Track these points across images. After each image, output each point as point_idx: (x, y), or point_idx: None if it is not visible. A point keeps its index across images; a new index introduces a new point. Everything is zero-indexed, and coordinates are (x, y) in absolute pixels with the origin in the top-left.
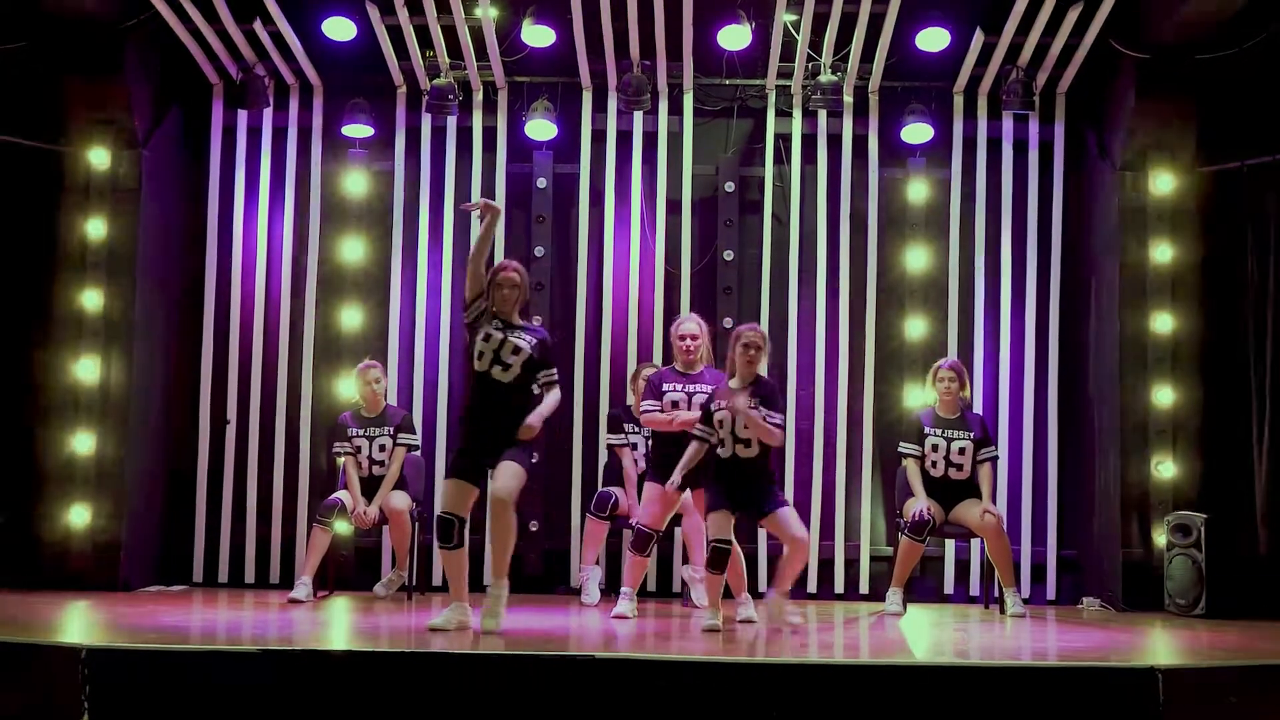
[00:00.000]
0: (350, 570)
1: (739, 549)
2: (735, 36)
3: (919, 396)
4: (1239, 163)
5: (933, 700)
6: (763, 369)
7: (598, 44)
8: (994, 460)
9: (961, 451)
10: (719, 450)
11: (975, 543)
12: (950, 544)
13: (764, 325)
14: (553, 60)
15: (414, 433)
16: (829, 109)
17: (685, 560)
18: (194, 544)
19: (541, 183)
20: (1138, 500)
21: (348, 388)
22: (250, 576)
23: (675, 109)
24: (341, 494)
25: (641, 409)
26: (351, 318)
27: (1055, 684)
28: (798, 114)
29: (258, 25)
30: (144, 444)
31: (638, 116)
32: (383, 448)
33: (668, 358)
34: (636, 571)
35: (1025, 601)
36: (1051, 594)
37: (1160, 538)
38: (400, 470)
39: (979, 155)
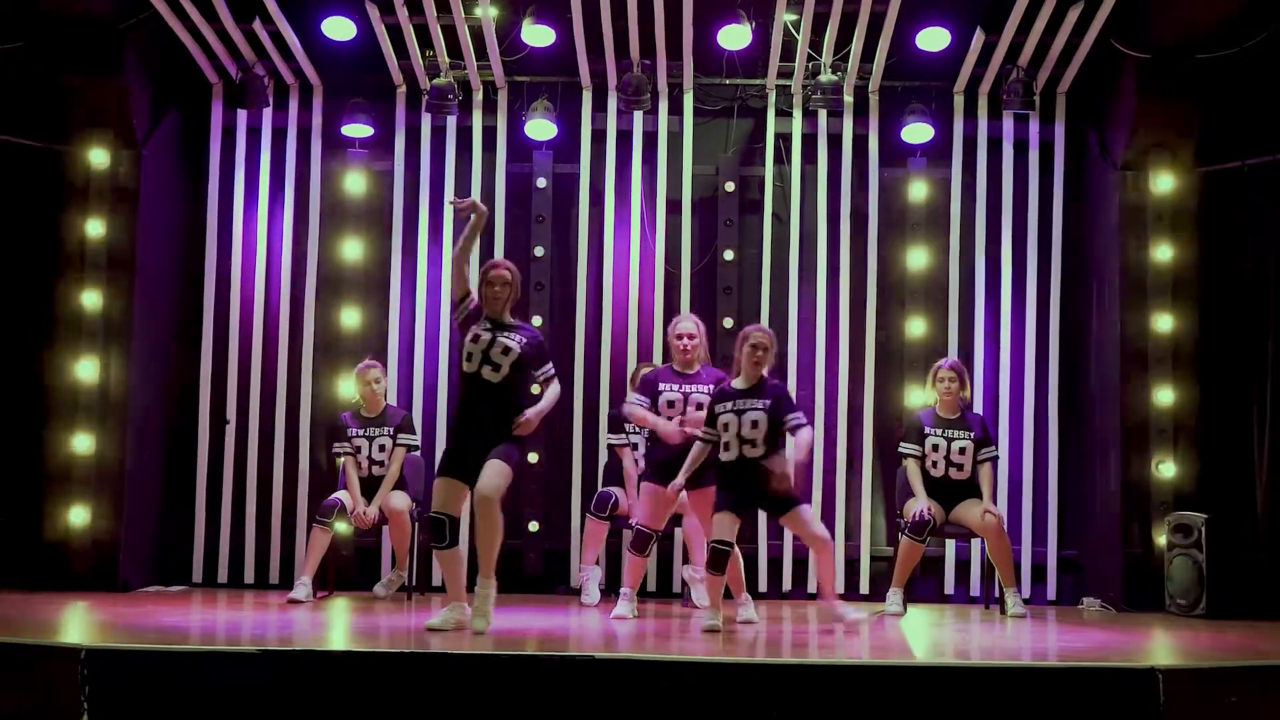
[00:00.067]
0: (350, 570)
1: (738, 550)
2: (735, 36)
3: (919, 396)
4: (1239, 163)
5: (933, 701)
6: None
7: (598, 43)
8: (994, 460)
9: (962, 451)
10: (724, 452)
11: (976, 543)
12: (951, 544)
13: (764, 325)
14: (553, 60)
15: (414, 433)
16: (829, 109)
17: (685, 560)
18: (193, 544)
19: (541, 182)
20: (1138, 500)
21: (347, 388)
22: (250, 577)
23: (675, 109)
24: (341, 494)
25: (630, 399)
26: (351, 318)
27: (1056, 684)
28: (798, 114)
29: (257, 25)
30: (143, 444)
31: (638, 116)
32: (382, 448)
33: (668, 358)
34: (636, 571)
35: (1026, 602)
36: (1052, 594)
37: (1161, 538)
38: (400, 470)
39: (979, 155)
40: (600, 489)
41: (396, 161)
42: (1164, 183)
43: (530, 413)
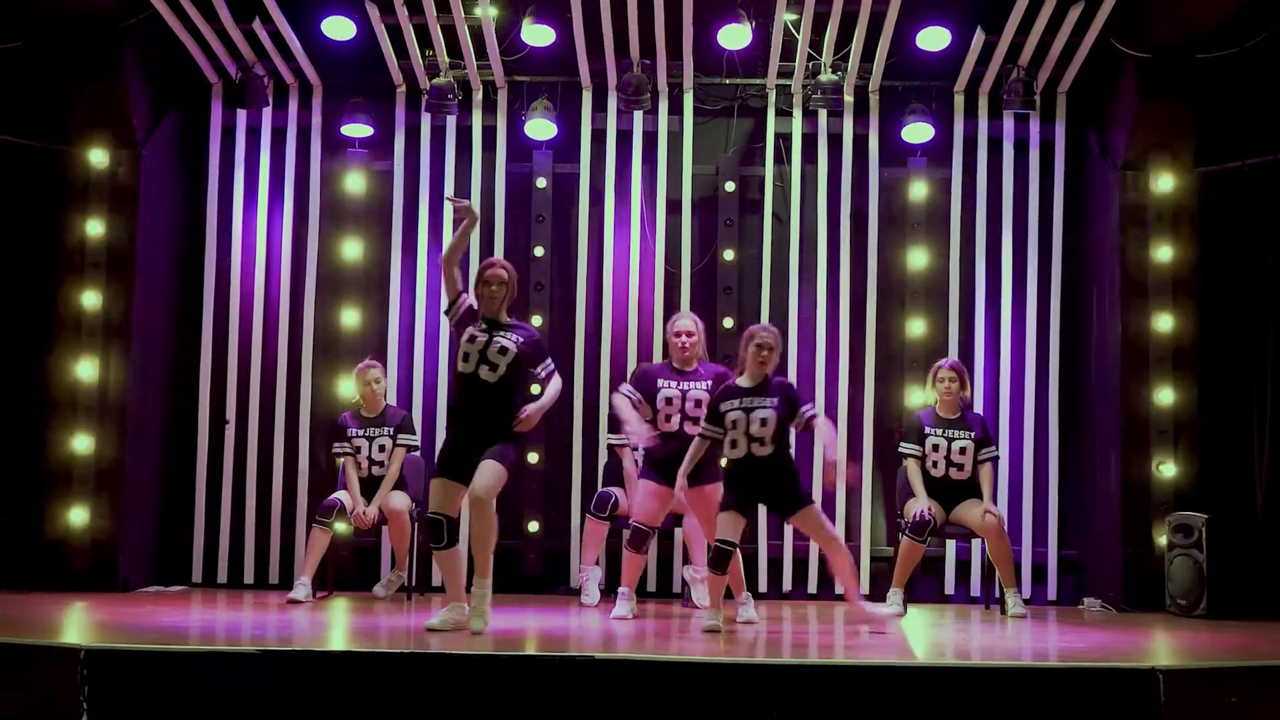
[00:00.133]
0: (350, 571)
1: (738, 550)
2: (735, 36)
3: (919, 396)
4: (1239, 162)
5: (933, 701)
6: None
7: (597, 43)
8: (995, 460)
9: (962, 451)
10: (732, 450)
11: (976, 543)
12: (951, 544)
13: (769, 324)
14: (552, 59)
15: (414, 433)
16: (829, 108)
17: (686, 560)
18: (193, 544)
19: (541, 182)
20: (1139, 500)
21: (347, 388)
22: (249, 577)
23: (675, 108)
24: (341, 494)
25: (622, 389)
26: (351, 317)
27: (1056, 685)
28: (798, 113)
29: (257, 25)
30: (143, 444)
31: (638, 116)
32: (382, 448)
33: (667, 355)
34: (634, 570)
35: (1026, 602)
36: (1052, 594)
37: (1161, 538)
38: (400, 471)
39: (980, 155)
40: (600, 489)
41: (396, 161)
42: (1164, 182)
43: (531, 408)
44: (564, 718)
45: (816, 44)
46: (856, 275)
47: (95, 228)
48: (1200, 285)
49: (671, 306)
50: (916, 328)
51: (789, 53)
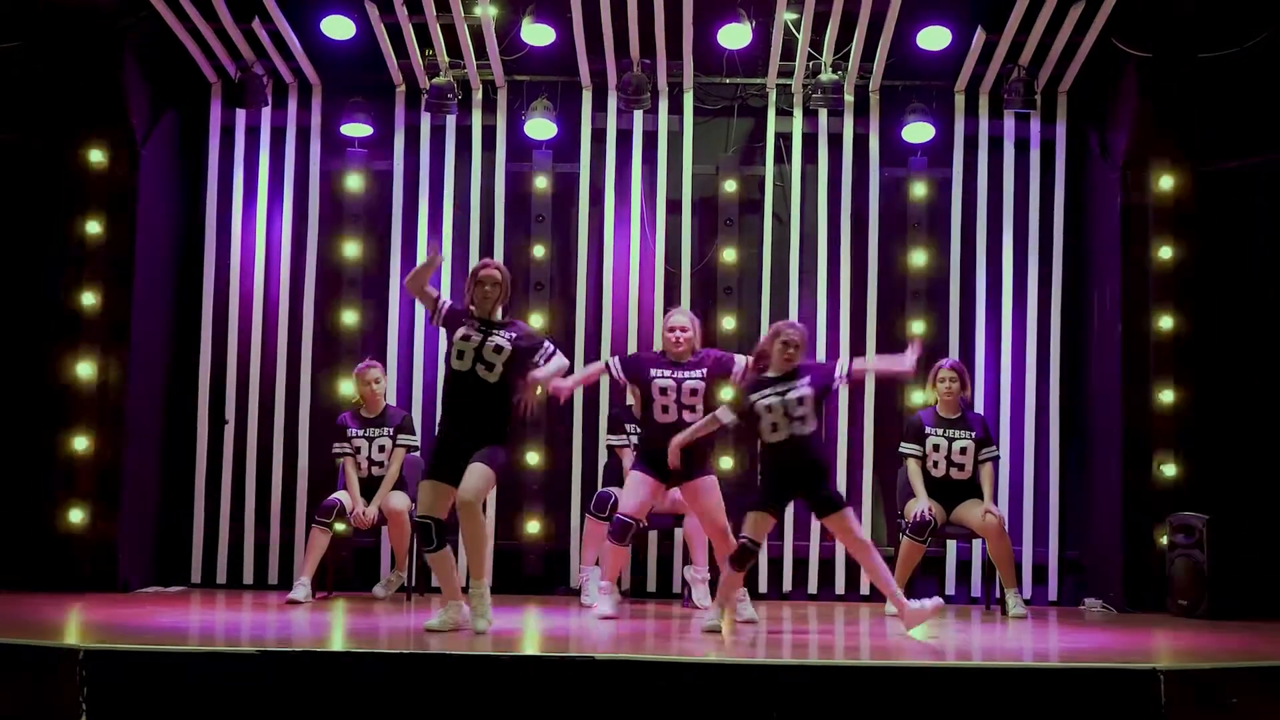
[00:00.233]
0: (349, 571)
1: None
2: (735, 35)
3: (919, 396)
4: (1239, 162)
5: (934, 701)
6: None
7: (597, 43)
8: (995, 460)
9: (963, 451)
10: (774, 433)
11: (977, 543)
12: (952, 545)
13: (764, 325)
14: (552, 59)
15: (413, 433)
16: (830, 108)
17: (686, 561)
18: (192, 544)
19: (541, 182)
20: (1140, 500)
21: (347, 388)
22: (249, 577)
23: (675, 108)
24: (340, 494)
25: (609, 360)
26: (350, 317)
27: (1057, 685)
28: (798, 113)
29: (256, 24)
30: (142, 444)
31: (638, 115)
32: (382, 448)
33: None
34: (615, 563)
35: (1027, 602)
36: (1053, 595)
37: (1162, 538)
38: (399, 471)
39: (980, 154)
40: (600, 489)
41: (396, 161)
42: (1164, 182)
43: (540, 374)
44: (564, 718)
45: (817, 43)
46: (857, 275)
47: (94, 227)
48: (1200, 285)
49: (671, 306)
50: (916, 328)
51: (789, 52)
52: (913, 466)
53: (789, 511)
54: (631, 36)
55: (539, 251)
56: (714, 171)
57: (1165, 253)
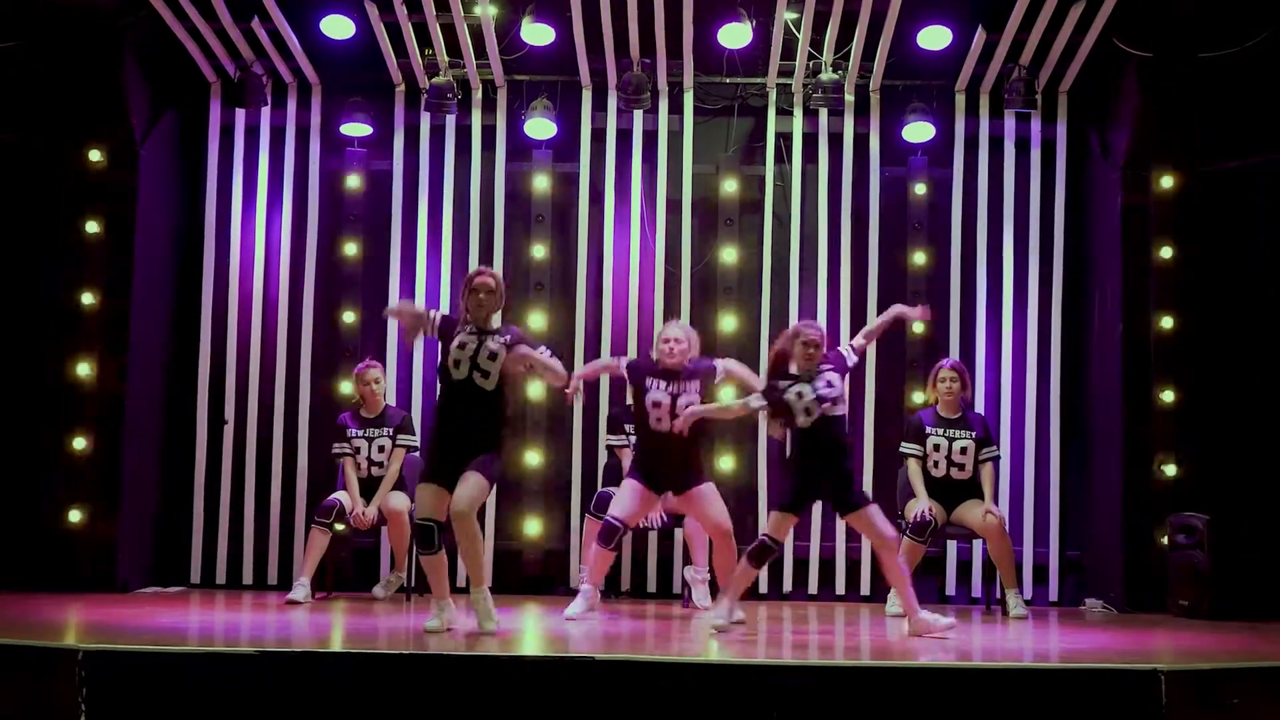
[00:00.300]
0: (349, 572)
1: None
2: (736, 35)
3: (919, 396)
4: (1239, 162)
5: (934, 701)
6: None
7: (597, 42)
8: (996, 460)
9: (963, 451)
10: (801, 419)
11: (977, 544)
12: (952, 545)
13: (764, 325)
14: (552, 58)
15: (413, 434)
16: (830, 107)
17: (686, 561)
18: (191, 545)
19: (541, 182)
20: (1140, 500)
21: (346, 388)
22: (248, 578)
23: (675, 108)
24: (340, 495)
25: (620, 359)
26: (350, 317)
27: (1057, 685)
28: (799, 112)
29: (256, 23)
30: (141, 444)
31: (638, 115)
32: (382, 449)
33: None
34: (602, 566)
35: (1027, 603)
36: (1054, 595)
37: (1163, 538)
38: (399, 471)
39: (981, 154)
40: (600, 489)
41: (395, 160)
42: (1165, 182)
43: (534, 352)
44: (564, 718)
45: (817, 43)
46: (857, 275)
47: (94, 227)
48: (1201, 285)
49: (671, 307)
50: (916, 327)
51: (789, 52)
52: (913, 466)
53: None
54: (631, 36)
55: (539, 251)
56: (714, 171)
57: (1166, 252)
